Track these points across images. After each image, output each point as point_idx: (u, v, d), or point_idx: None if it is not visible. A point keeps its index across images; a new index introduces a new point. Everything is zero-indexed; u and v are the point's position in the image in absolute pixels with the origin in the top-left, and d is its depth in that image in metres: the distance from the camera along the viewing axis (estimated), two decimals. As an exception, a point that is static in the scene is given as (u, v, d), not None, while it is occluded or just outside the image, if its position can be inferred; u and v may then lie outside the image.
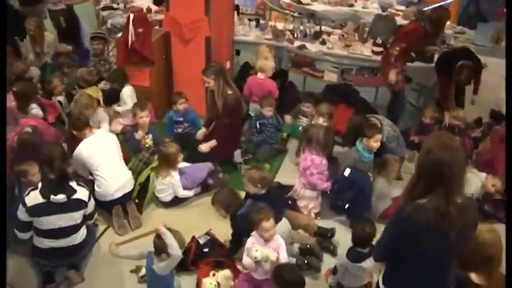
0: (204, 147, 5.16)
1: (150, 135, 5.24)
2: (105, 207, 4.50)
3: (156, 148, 5.02)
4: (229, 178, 5.20)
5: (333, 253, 4.33)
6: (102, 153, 4.48)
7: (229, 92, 5.03)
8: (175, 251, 3.42)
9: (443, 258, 2.59)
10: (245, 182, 4.22)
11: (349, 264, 3.72)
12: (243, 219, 4.01)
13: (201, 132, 5.41)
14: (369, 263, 3.67)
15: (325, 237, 4.45)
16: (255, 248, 3.60)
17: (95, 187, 4.41)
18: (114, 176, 4.45)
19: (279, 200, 4.50)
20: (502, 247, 2.93)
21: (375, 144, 4.64)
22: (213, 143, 5.15)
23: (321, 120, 5.22)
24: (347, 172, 4.60)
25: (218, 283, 3.90)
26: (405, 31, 5.95)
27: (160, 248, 3.45)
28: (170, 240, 3.40)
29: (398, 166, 5.00)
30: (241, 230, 4.06)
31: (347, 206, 4.71)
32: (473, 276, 2.92)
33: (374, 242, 3.67)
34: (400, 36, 6.00)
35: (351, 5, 7.68)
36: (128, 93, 5.82)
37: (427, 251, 2.54)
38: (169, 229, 3.50)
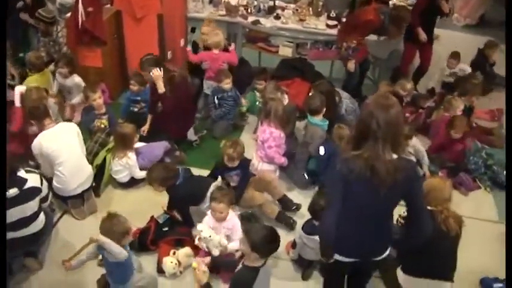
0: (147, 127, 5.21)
1: (105, 116, 5.15)
2: (63, 199, 4.41)
3: (112, 129, 4.95)
4: (185, 156, 5.20)
5: (291, 227, 4.37)
6: (64, 148, 4.22)
7: (174, 72, 5.06)
8: (119, 255, 3.31)
9: (377, 212, 2.73)
10: (225, 158, 4.39)
11: (305, 237, 3.79)
12: (178, 190, 4.14)
13: (145, 128, 5.29)
14: None
15: (289, 209, 4.50)
16: (201, 227, 3.73)
17: (54, 182, 4.25)
18: (75, 173, 4.30)
19: (249, 171, 4.63)
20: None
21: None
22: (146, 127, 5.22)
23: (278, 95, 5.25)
24: (322, 151, 4.66)
25: (179, 261, 3.91)
26: (363, 21, 5.90)
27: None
28: (109, 247, 3.28)
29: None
30: (177, 200, 4.20)
31: None
32: None
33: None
34: (357, 25, 5.95)
35: (306, -21, 7.67)
36: (77, 84, 5.68)
37: (361, 201, 2.67)
38: (113, 215, 3.38)
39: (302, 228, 3.84)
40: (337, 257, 2.90)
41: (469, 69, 6.74)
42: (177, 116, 5.15)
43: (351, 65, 5.94)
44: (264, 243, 3.07)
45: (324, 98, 4.92)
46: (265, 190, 4.56)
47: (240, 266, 3.23)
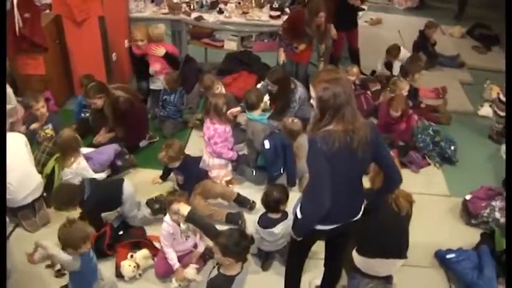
0: (102, 138, 5.12)
1: (50, 125, 5.03)
2: (13, 211, 4.26)
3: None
4: (136, 159, 5.16)
5: (240, 226, 4.32)
6: (10, 157, 4.00)
7: (119, 95, 4.96)
8: (70, 265, 3.24)
9: (355, 175, 2.91)
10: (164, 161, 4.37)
11: (261, 231, 3.81)
12: (89, 202, 4.01)
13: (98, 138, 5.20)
14: (280, 227, 3.78)
15: (245, 207, 4.50)
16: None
17: None
18: (23, 182, 4.18)
19: (195, 171, 4.60)
20: None
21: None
22: (108, 136, 5.15)
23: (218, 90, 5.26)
24: (267, 144, 4.66)
25: (137, 264, 3.88)
26: (292, 21, 6.04)
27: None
28: (53, 251, 3.20)
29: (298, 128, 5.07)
30: (92, 212, 4.09)
31: (282, 170, 4.78)
32: None
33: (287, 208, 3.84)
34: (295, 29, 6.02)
35: (247, -28, 7.67)
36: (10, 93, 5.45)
37: (343, 169, 2.78)
38: (71, 221, 3.25)
39: (258, 222, 3.85)
40: (318, 227, 2.95)
41: (408, 54, 6.88)
42: (129, 131, 5.14)
43: (280, 58, 6.08)
44: (232, 246, 3.07)
45: (260, 93, 5.01)
46: (217, 197, 4.57)
47: (216, 272, 3.22)
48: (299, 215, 3.02)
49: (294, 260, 3.48)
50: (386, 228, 3.48)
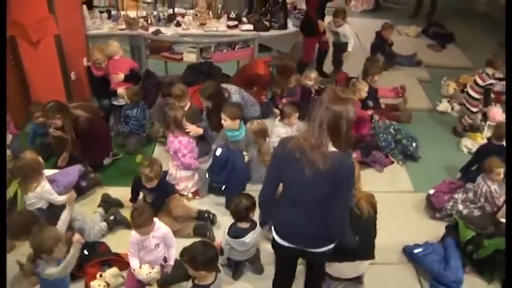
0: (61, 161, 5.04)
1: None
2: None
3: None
4: (101, 176, 5.09)
5: (208, 237, 4.31)
6: None
7: (79, 114, 4.90)
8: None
9: (310, 199, 2.78)
10: (143, 179, 4.28)
11: (231, 241, 3.82)
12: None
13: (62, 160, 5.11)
14: (250, 237, 3.79)
15: (205, 221, 4.47)
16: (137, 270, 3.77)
17: None
18: None
19: (167, 188, 4.57)
20: None
21: (236, 123, 4.69)
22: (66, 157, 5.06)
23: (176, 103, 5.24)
24: (218, 152, 4.65)
25: (107, 283, 3.83)
26: (255, 75, 6.10)
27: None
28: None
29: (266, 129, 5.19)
30: None
31: (224, 187, 4.73)
32: None
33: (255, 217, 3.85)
34: (250, 80, 6.14)
35: (203, -17, 7.71)
36: None
37: (292, 183, 2.83)
38: (42, 226, 3.33)
39: (228, 233, 3.85)
40: (276, 238, 3.02)
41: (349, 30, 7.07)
42: (92, 150, 5.07)
43: None
44: (200, 258, 3.13)
45: (197, 109, 5.11)
46: (182, 215, 4.51)
47: (191, 284, 3.27)
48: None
49: (276, 279, 3.49)
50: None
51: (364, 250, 3.64)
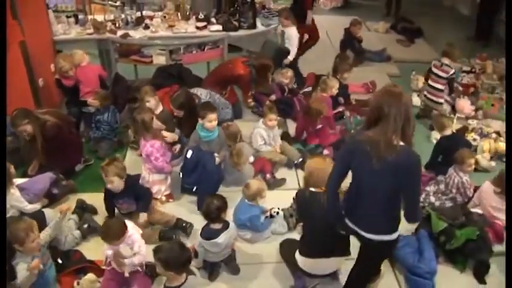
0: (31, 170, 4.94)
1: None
2: None
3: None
4: (74, 183, 5.01)
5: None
6: None
7: (46, 119, 4.82)
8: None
9: (379, 189, 2.94)
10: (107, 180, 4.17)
11: (204, 242, 3.80)
12: None
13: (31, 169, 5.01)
14: (223, 237, 3.78)
15: (185, 231, 4.40)
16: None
17: None
18: None
19: (142, 191, 4.48)
20: None
21: (210, 124, 4.69)
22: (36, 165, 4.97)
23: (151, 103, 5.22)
24: (189, 154, 4.64)
25: (85, 290, 3.79)
26: (235, 76, 6.06)
27: None
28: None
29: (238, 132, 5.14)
30: None
31: (195, 188, 4.71)
32: None
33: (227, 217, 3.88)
34: (228, 79, 6.13)
35: (171, -16, 7.67)
36: None
37: (361, 174, 2.96)
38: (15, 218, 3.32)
39: (200, 234, 3.84)
40: (346, 220, 3.19)
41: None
42: (62, 156, 4.98)
43: None
44: (173, 259, 3.15)
45: (169, 112, 5.03)
46: (155, 224, 4.45)
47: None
48: None
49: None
50: (323, 229, 3.52)
51: (339, 246, 3.66)
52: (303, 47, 7.39)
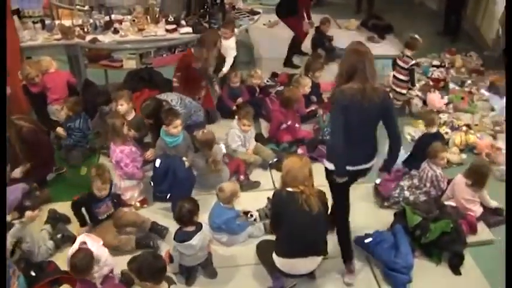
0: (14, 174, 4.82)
1: None
2: None
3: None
4: (49, 192, 4.92)
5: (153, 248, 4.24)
6: None
7: (22, 125, 4.72)
8: None
9: (367, 127, 3.64)
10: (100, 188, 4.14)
11: (179, 245, 3.78)
12: None
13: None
14: (197, 239, 3.76)
15: (162, 235, 4.38)
16: None
17: None
18: None
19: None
20: None
21: (175, 130, 4.64)
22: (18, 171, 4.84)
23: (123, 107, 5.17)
24: (157, 163, 4.60)
25: (60, 303, 3.73)
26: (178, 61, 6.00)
27: None
28: None
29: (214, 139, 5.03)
30: None
31: (168, 195, 4.64)
32: None
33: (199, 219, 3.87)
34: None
35: (140, -12, 7.59)
36: None
37: (354, 119, 3.49)
38: None
39: (174, 238, 3.81)
40: (348, 168, 3.65)
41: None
42: (35, 164, 4.88)
43: None
44: (146, 269, 3.15)
45: (141, 118, 4.95)
46: (128, 226, 4.40)
47: None
48: (328, 165, 3.71)
49: (340, 206, 3.98)
50: (300, 229, 3.54)
51: (316, 245, 3.69)
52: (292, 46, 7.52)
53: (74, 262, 3.49)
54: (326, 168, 3.76)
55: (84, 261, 3.49)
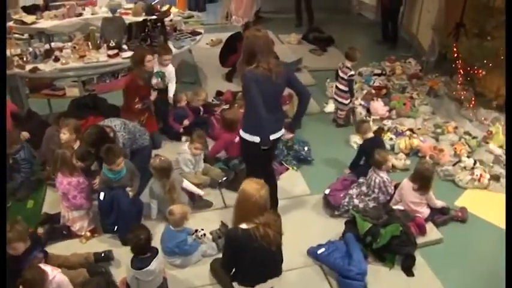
0: None
1: None
2: None
3: None
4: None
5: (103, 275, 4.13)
6: None
7: None
8: None
9: (276, 97, 4.23)
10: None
11: (137, 273, 3.73)
12: None
13: None
14: (154, 264, 3.73)
15: (106, 260, 4.30)
16: None
17: None
18: None
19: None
20: None
21: (118, 167, 4.51)
22: None
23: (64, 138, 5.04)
24: (101, 196, 4.54)
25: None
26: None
27: None
28: None
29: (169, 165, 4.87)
30: None
31: (115, 227, 4.57)
32: None
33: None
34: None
35: (80, 14, 7.49)
36: None
37: (267, 93, 4.03)
38: None
39: (131, 266, 3.74)
40: (271, 137, 4.20)
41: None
42: None
43: None
44: None
45: (89, 148, 4.70)
46: (76, 268, 4.18)
47: None
48: (251, 138, 4.20)
49: (256, 172, 4.18)
50: (260, 263, 3.59)
51: (275, 269, 3.76)
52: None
53: (25, 280, 3.36)
54: (246, 143, 4.26)
55: (36, 277, 3.39)
